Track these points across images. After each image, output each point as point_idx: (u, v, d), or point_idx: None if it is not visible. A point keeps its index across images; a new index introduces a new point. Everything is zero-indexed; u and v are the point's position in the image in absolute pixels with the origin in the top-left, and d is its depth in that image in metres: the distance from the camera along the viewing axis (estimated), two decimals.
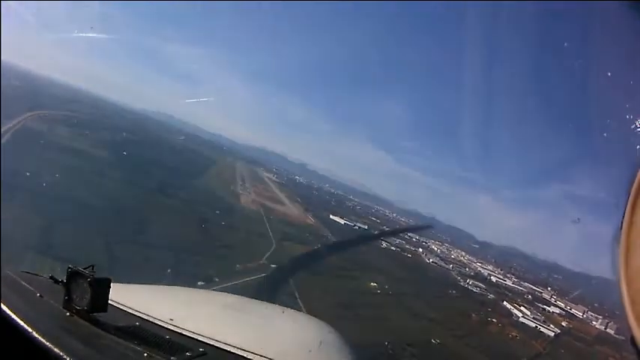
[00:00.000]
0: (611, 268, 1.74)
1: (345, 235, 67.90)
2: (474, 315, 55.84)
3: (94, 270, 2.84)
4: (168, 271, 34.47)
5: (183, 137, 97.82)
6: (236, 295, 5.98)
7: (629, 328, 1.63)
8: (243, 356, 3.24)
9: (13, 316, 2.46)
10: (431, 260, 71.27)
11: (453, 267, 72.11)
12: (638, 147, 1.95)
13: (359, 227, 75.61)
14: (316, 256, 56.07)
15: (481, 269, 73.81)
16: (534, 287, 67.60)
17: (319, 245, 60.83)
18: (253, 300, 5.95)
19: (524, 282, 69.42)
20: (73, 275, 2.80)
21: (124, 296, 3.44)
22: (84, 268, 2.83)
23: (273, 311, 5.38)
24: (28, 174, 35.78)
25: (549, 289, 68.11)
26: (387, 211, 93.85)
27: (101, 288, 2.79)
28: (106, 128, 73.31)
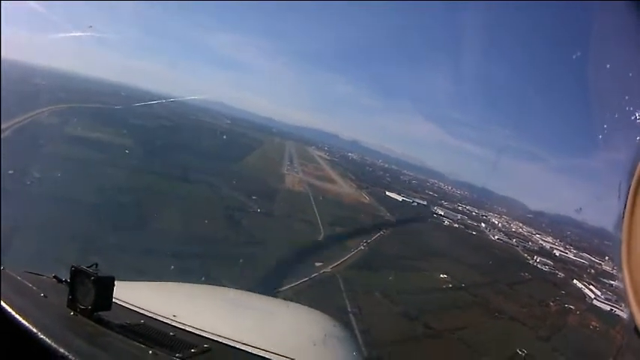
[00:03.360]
0: (614, 259, 1.70)
1: (403, 214, 58.64)
2: (551, 304, 47.49)
3: (98, 268, 2.72)
4: (172, 267, 27.64)
5: (229, 121, 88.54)
6: (239, 290, 6.23)
7: (632, 318, 1.60)
8: (247, 351, 3.14)
9: (18, 316, 2.32)
10: (496, 237, 63.17)
11: (516, 242, 64.14)
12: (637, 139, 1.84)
13: (418, 203, 66.16)
14: (372, 245, 46.51)
15: (542, 242, 66.03)
16: (593, 258, 59.07)
17: (376, 229, 50.94)
18: (256, 294, 5.90)
19: (583, 252, 61.15)
20: (77, 274, 2.67)
21: (128, 294, 3.25)
22: (87, 267, 2.70)
23: (276, 305, 5.62)
24: (11, 172, 28.21)
25: (607, 258, 59.01)
26: (441, 183, 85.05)
27: (105, 286, 2.66)
28: (138, 117, 63.25)
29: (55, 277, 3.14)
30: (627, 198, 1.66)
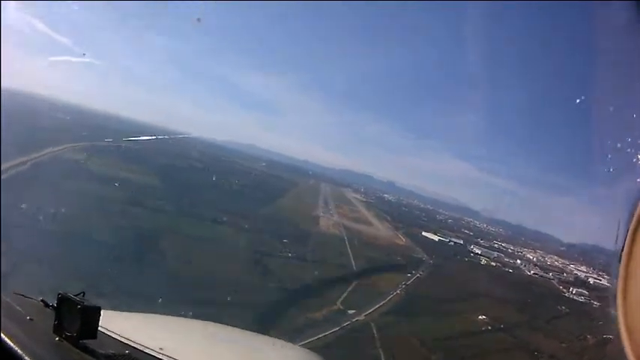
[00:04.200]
0: (610, 299, 1.70)
1: (440, 254, 58.64)
2: (589, 337, 43.92)
3: (85, 297, 2.73)
4: (159, 300, 25.90)
5: (264, 163, 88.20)
6: (226, 326, 5.82)
7: (627, 357, 1.59)
8: None
9: (4, 338, 2.31)
10: (532, 272, 62.87)
11: (552, 275, 63.42)
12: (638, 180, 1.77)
13: (454, 243, 66.42)
14: (410, 288, 46.35)
15: (576, 272, 64.75)
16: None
17: (413, 272, 50.79)
18: (244, 331, 5.68)
19: (615, 278, 59.37)
20: (64, 301, 2.67)
21: (115, 324, 3.27)
22: (75, 295, 2.71)
23: (263, 343, 5.33)
24: (23, 206, 28.70)
25: None
26: (476, 222, 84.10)
27: (91, 315, 2.64)
28: (166, 157, 62.95)
29: (42, 300, 3.17)
30: (625, 239, 1.65)
